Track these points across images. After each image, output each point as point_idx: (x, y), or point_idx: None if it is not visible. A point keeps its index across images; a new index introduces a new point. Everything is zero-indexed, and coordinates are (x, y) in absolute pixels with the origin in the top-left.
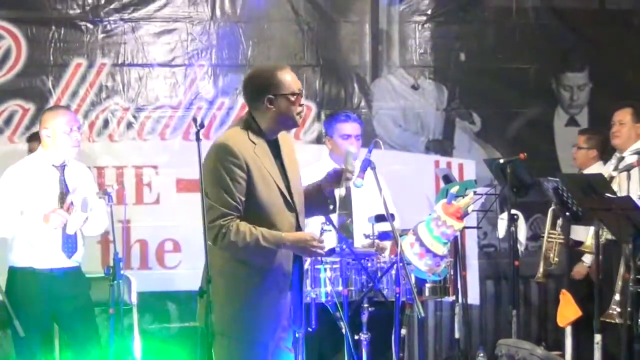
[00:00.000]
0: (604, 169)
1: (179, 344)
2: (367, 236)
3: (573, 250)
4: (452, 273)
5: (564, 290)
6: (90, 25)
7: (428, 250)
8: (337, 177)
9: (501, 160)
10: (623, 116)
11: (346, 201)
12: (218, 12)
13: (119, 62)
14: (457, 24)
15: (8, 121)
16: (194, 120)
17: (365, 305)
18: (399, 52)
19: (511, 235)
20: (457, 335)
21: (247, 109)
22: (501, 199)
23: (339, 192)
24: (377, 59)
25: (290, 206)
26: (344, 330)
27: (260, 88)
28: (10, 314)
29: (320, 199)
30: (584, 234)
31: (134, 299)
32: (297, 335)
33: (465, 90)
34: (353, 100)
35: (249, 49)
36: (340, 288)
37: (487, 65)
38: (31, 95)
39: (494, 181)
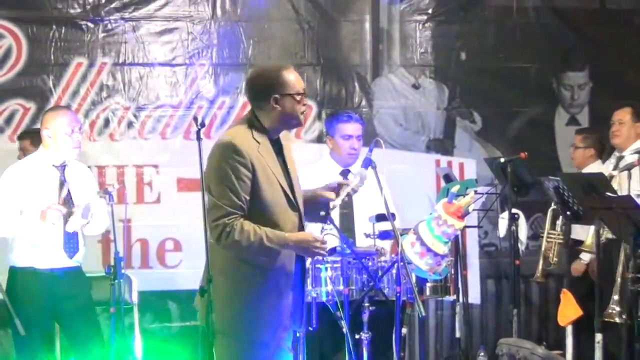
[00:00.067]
0: (603, 168)
1: (180, 343)
2: (367, 235)
3: (573, 249)
4: (452, 272)
5: (564, 290)
6: (91, 25)
7: (429, 250)
8: (337, 190)
9: (502, 160)
10: (622, 116)
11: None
12: (219, 11)
13: (120, 61)
14: (458, 23)
15: (9, 120)
16: (195, 119)
17: (366, 304)
18: (399, 51)
19: (512, 235)
20: (458, 335)
21: (248, 108)
22: (502, 198)
23: (333, 204)
24: (378, 58)
25: (294, 206)
26: (344, 330)
27: (266, 87)
28: (11, 313)
29: (313, 204)
30: (583, 233)
31: (135, 298)
32: (297, 334)
33: (466, 89)
34: (354, 99)
35: (249, 48)
36: (341, 287)
37: (488, 65)
38: (32, 94)
39: (495, 180)
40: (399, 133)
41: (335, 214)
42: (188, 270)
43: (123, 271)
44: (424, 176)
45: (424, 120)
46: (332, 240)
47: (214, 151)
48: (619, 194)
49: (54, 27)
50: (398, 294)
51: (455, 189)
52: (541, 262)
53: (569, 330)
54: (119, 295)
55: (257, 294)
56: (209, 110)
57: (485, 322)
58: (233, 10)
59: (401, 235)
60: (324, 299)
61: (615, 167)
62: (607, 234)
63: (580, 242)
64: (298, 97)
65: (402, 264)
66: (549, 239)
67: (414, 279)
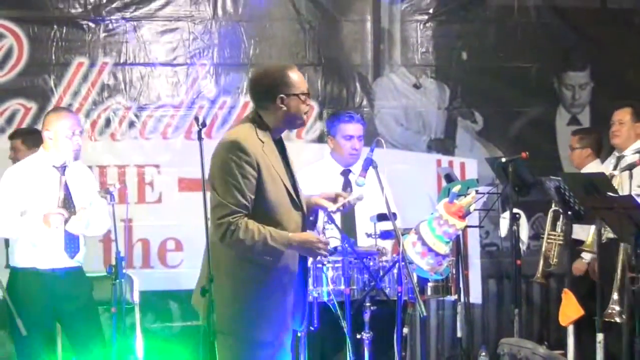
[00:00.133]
0: (603, 167)
1: (181, 343)
2: (369, 235)
3: (574, 249)
4: (454, 272)
5: (566, 290)
6: (92, 24)
7: (430, 249)
8: (334, 199)
9: (503, 159)
10: (622, 116)
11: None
12: (220, 11)
13: (121, 61)
14: (459, 23)
15: (10, 120)
16: (196, 119)
17: (368, 304)
18: (400, 51)
19: (513, 235)
20: (459, 335)
21: (250, 107)
22: (503, 198)
23: (326, 211)
24: (379, 58)
25: (297, 205)
26: (345, 330)
27: (271, 87)
28: (13, 313)
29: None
30: (583, 233)
31: (136, 298)
32: (299, 334)
33: (467, 89)
34: (355, 99)
35: (250, 48)
36: (342, 287)
37: (489, 64)
38: (33, 94)
39: (496, 180)
40: (400, 133)
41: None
42: (189, 270)
43: (124, 271)
44: (425, 176)
45: (425, 120)
46: (334, 240)
47: (218, 149)
48: (620, 193)
49: (55, 26)
50: (399, 294)
51: (456, 188)
52: (541, 262)
53: (571, 330)
54: (120, 295)
55: (260, 293)
56: (210, 110)
57: (486, 322)
58: (234, 10)
59: (402, 235)
60: (325, 298)
61: (616, 167)
62: (607, 234)
63: (581, 242)
64: (303, 97)
65: (403, 263)
66: (549, 240)
67: (415, 279)
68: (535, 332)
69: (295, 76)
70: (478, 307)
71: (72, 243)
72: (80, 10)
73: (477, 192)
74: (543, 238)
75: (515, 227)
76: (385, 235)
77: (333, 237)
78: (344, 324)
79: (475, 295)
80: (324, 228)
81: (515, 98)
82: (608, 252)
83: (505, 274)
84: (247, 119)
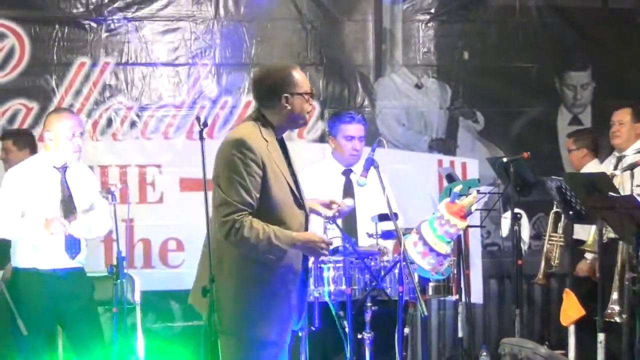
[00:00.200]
0: (603, 167)
1: (182, 343)
2: (370, 235)
3: (575, 249)
4: (455, 272)
5: (567, 290)
6: (93, 24)
7: (431, 249)
8: (328, 205)
9: (504, 159)
10: (622, 116)
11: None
12: (221, 11)
13: (123, 61)
14: (461, 23)
15: (11, 120)
16: (198, 119)
17: (369, 304)
18: (402, 51)
19: (514, 234)
20: (460, 334)
21: (252, 107)
22: (504, 198)
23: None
24: (381, 58)
25: (300, 204)
26: (347, 330)
27: (276, 86)
28: (14, 313)
29: None
30: (584, 233)
31: (137, 298)
32: (299, 334)
33: (469, 89)
34: (356, 99)
35: (252, 48)
36: (343, 287)
37: (491, 64)
38: (35, 94)
39: (497, 180)
40: (402, 133)
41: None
42: (191, 270)
43: (125, 271)
44: (426, 176)
45: (427, 120)
46: (337, 240)
47: (224, 147)
48: (621, 193)
49: (56, 26)
50: (400, 294)
51: (457, 188)
52: (543, 264)
53: (572, 330)
54: (121, 295)
55: (264, 292)
56: (212, 110)
57: (487, 321)
58: (236, 10)
59: (404, 235)
60: (326, 298)
61: (616, 167)
62: (609, 234)
63: (582, 242)
64: (306, 97)
65: (404, 263)
66: (550, 242)
67: (416, 279)
68: (537, 332)
69: (299, 76)
70: (479, 307)
71: (73, 244)
72: (82, 10)
73: (478, 192)
74: (544, 239)
75: (516, 227)
76: (386, 235)
77: (337, 236)
78: (345, 324)
79: (477, 295)
80: (325, 228)
81: (517, 98)
82: (609, 252)
83: (507, 274)
84: (251, 118)
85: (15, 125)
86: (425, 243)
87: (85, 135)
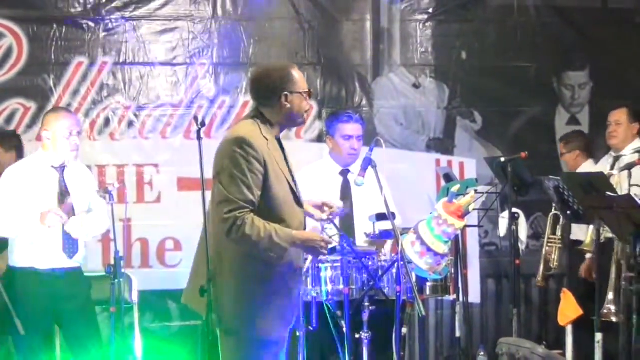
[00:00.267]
0: (599, 167)
1: (180, 343)
2: (368, 235)
3: (572, 249)
4: (453, 272)
5: (565, 289)
6: (91, 24)
7: (429, 249)
8: (320, 207)
9: (502, 159)
10: (619, 116)
11: (347, 199)
12: (219, 11)
13: (121, 60)
14: (459, 23)
15: (9, 120)
16: (195, 118)
17: (366, 304)
18: (400, 50)
19: (512, 234)
20: (458, 334)
21: (250, 107)
22: (502, 197)
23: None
24: (379, 58)
25: (300, 203)
26: (344, 329)
27: (276, 85)
28: (12, 313)
29: None
30: (581, 233)
31: (135, 297)
32: (298, 333)
33: (467, 88)
34: (354, 99)
35: (250, 47)
36: (341, 287)
37: (489, 64)
38: (32, 93)
39: (495, 180)
40: (400, 132)
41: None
42: (188, 270)
43: (123, 270)
44: (424, 176)
45: (425, 119)
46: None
47: (225, 145)
48: (619, 193)
49: (54, 26)
50: (398, 294)
51: (455, 188)
52: (542, 266)
53: (569, 329)
54: (119, 294)
55: (266, 290)
56: (210, 110)
57: (485, 321)
58: (234, 9)
59: (401, 234)
60: (324, 298)
61: (613, 167)
62: (606, 234)
63: (578, 242)
64: (305, 95)
65: (402, 263)
66: (549, 244)
67: (414, 279)
68: (534, 331)
69: (297, 75)
70: (477, 306)
71: (70, 244)
72: (79, 9)
73: (476, 191)
74: (543, 241)
75: (514, 227)
76: (384, 235)
77: (335, 234)
78: (342, 323)
79: (474, 295)
80: (323, 227)
81: (515, 98)
82: (606, 252)
83: (504, 274)
84: (250, 117)
85: (13, 125)
86: (422, 243)
87: (83, 135)
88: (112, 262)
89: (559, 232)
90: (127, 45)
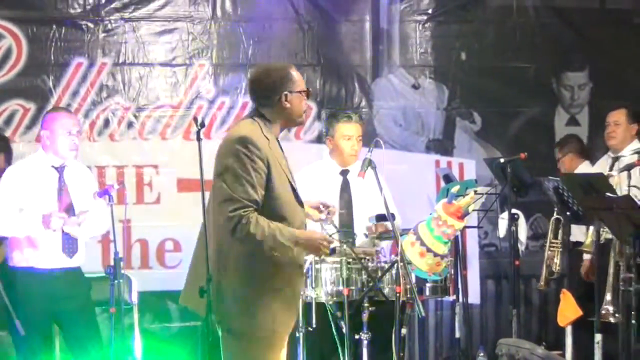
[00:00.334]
0: (597, 168)
1: (180, 344)
2: (367, 236)
3: (572, 251)
4: (452, 272)
5: (564, 290)
6: (91, 25)
7: (429, 250)
8: (317, 208)
9: (502, 160)
10: (618, 117)
11: (346, 200)
12: (219, 12)
13: (120, 61)
14: (458, 23)
15: (9, 121)
16: (195, 119)
17: (366, 304)
18: (399, 51)
19: (512, 235)
20: (457, 335)
21: (249, 108)
22: (502, 198)
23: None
24: (378, 59)
25: (301, 203)
26: (344, 330)
27: (275, 85)
28: (11, 313)
29: None
30: (580, 234)
31: (135, 298)
32: (297, 334)
33: (466, 89)
34: (353, 99)
35: (249, 48)
36: (341, 287)
37: (488, 65)
38: (32, 94)
39: (495, 181)
40: (399, 133)
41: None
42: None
43: (123, 271)
44: (423, 176)
45: (424, 120)
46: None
47: (228, 144)
48: (618, 194)
49: (54, 27)
50: (398, 294)
51: (455, 189)
52: (544, 271)
53: (569, 330)
54: (118, 295)
55: (271, 289)
56: (209, 111)
57: (484, 322)
58: (233, 10)
59: (401, 235)
60: (323, 299)
61: (612, 168)
62: (606, 235)
63: (579, 244)
64: (304, 95)
65: (401, 264)
66: (551, 248)
67: (413, 279)
68: (534, 332)
69: (296, 74)
70: (476, 307)
71: (70, 244)
72: (79, 10)
73: (475, 192)
74: (543, 241)
75: (513, 228)
76: (384, 235)
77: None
78: (342, 324)
79: (474, 296)
80: (322, 228)
81: (514, 98)
82: (606, 253)
83: (504, 275)
84: (250, 117)
85: (13, 126)
86: (422, 243)
87: (83, 136)
88: (112, 263)
89: (560, 237)
90: (126, 46)
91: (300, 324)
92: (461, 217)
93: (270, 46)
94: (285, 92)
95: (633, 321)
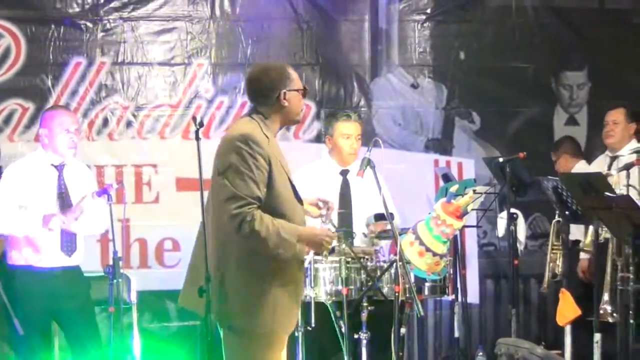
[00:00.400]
0: (595, 167)
1: (178, 343)
2: (366, 235)
3: (572, 250)
4: (451, 272)
5: (563, 290)
6: (89, 24)
7: (428, 249)
8: (316, 205)
9: (500, 159)
10: (617, 116)
11: (346, 200)
12: (217, 11)
13: (119, 60)
14: (457, 23)
15: (7, 120)
16: (194, 119)
17: (365, 304)
18: (398, 51)
19: (510, 234)
20: (456, 334)
21: (247, 107)
22: (500, 197)
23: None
24: (377, 58)
25: (300, 200)
26: (343, 329)
27: (274, 83)
28: (10, 312)
29: None
30: (579, 233)
31: (134, 297)
32: (296, 333)
33: (465, 89)
34: (352, 99)
35: (248, 47)
36: (340, 287)
37: (487, 64)
38: (31, 94)
39: (494, 180)
40: (398, 133)
41: (333, 213)
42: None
43: (122, 271)
44: (422, 176)
45: (423, 120)
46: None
47: (229, 142)
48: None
49: (52, 26)
50: (397, 294)
51: (453, 188)
52: (547, 273)
53: (568, 330)
54: (117, 294)
55: (274, 286)
56: (208, 110)
57: (484, 321)
58: (232, 9)
59: (400, 235)
60: (322, 298)
61: (610, 167)
62: (605, 234)
63: (578, 242)
64: (301, 93)
65: (400, 263)
66: (554, 251)
67: (412, 279)
68: (533, 332)
69: (293, 73)
70: (475, 306)
71: (69, 242)
72: (77, 10)
73: (474, 192)
74: (542, 241)
75: (512, 227)
76: (383, 235)
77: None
78: (341, 323)
79: (473, 295)
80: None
81: (513, 98)
82: (605, 253)
83: (503, 274)
84: (249, 115)
85: (11, 125)
86: (421, 243)
87: (82, 135)
88: (111, 262)
89: (561, 240)
90: (125, 45)
91: (299, 323)
92: (460, 217)
93: (269, 46)
94: (284, 90)
95: (631, 321)
